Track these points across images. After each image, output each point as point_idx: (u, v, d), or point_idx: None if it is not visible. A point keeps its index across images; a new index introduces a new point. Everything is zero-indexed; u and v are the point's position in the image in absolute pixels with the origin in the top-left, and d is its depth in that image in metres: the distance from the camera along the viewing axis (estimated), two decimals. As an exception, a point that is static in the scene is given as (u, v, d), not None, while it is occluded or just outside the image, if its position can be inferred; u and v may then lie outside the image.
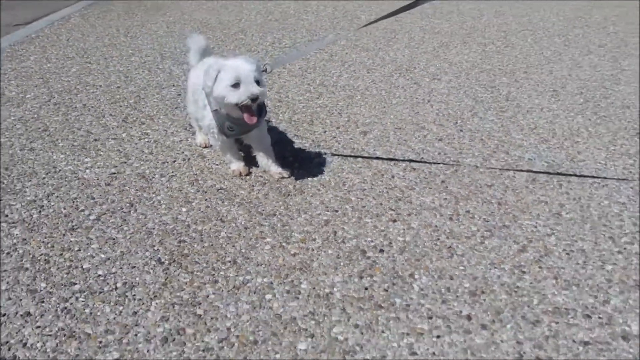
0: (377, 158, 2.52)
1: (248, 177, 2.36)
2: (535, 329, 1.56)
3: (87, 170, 2.42)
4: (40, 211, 2.10)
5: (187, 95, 2.60)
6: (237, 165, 2.41)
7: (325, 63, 3.99)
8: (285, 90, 3.44)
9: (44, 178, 2.35)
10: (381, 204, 2.19)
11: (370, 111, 3.13)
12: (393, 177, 2.40)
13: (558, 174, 2.38)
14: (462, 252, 1.89)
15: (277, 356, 1.45)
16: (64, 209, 2.12)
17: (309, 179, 2.37)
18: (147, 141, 2.72)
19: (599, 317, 1.60)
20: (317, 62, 4.00)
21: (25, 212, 2.09)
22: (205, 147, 2.63)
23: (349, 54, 4.23)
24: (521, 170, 2.41)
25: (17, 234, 1.96)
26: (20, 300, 1.64)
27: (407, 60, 4.05)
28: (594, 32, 4.78)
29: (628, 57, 4.09)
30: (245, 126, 2.25)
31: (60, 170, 2.41)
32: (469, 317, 1.60)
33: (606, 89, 3.45)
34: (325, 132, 2.86)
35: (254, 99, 2.09)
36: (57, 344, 1.48)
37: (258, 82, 2.12)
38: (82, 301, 1.64)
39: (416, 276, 1.77)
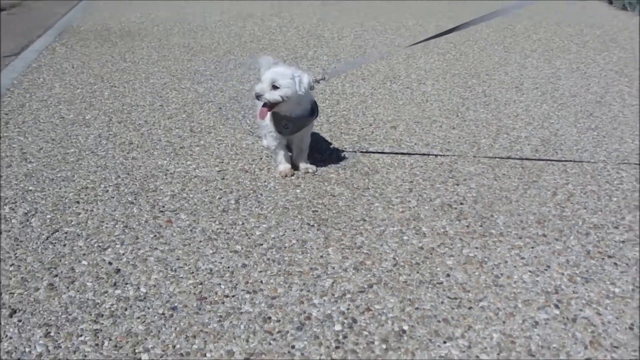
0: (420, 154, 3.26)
1: (293, 177, 2.86)
2: (588, 237, 2.36)
3: (197, 170, 2.95)
4: (187, 201, 2.63)
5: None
6: (284, 167, 2.90)
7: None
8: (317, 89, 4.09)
9: (166, 179, 2.86)
10: (440, 175, 2.93)
11: (387, 111, 3.87)
12: (436, 156, 3.15)
13: (559, 160, 3.24)
14: (517, 199, 2.67)
15: (438, 269, 2.14)
16: (205, 198, 2.66)
17: (376, 162, 3.06)
18: (226, 145, 3.28)
19: (624, 227, 2.43)
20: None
21: (176, 203, 2.61)
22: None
23: (338, 66, 4.94)
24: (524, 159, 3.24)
25: (184, 218, 2.49)
26: (230, 258, 2.20)
27: (388, 69, 4.84)
28: (523, 39, 5.85)
29: (557, 59, 5.14)
30: (298, 122, 2.83)
31: (174, 172, 2.93)
32: (544, 235, 2.37)
33: (553, 84, 4.43)
34: (362, 129, 3.56)
35: (257, 95, 2.67)
36: (283, 280, 2.08)
37: (277, 87, 2.65)
38: (276, 253, 2.23)
39: (495, 216, 2.52)
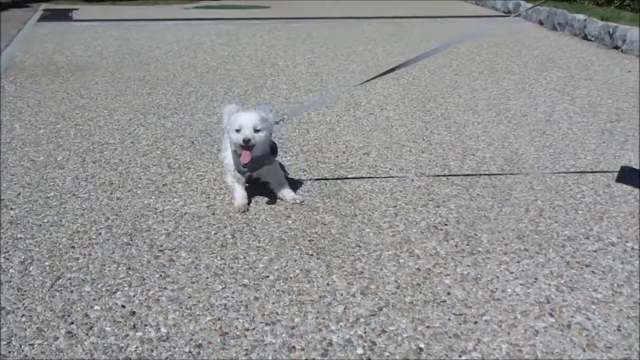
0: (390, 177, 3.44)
1: (245, 213, 2.90)
2: (565, 249, 2.58)
3: (185, 207, 3.01)
4: (184, 239, 2.69)
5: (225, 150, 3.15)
6: (239, 203, 2.96)
7: (289, 105, 4.82)
8: (277, 129, 4.21)
9: (157, 217, 2.90)
10: (420, 198, 3.11)
11: (356, 138, 4.04)
12: (412, 180, 3.34)
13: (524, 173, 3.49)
14: (495, 217, 2.88)
15: (438, 288, 2.30)
16: (200, 235, 2.73)
17: (357, 189, 3.21)
18: (208, 180, 3.35)
19: (594, 238, 2.68)
20: (281, 105, 4.81)
21: (173, 241, 2.66)
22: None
23: (299, 95, 5.10)
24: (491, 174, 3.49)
25: (185, 256, 2.54)
26: (241, 292, 2.28)
27: (348, 96, 5.04)
28: (468, 62, 6.20)
29: (503, 80, 5.50)
30: (257, 162, 2.98)
31: (163, 210, 2.97)
32: (526, 250, 2.58)
33: (504, 104, 4.74)
34: (337, 157, 3.71)
35: (246, 140, 2.81)
36: (298, 309, 2.17)
37: (258, 130, 2.84)
38: (284, 284, 2.33)
39: (478, 235, 2.72)
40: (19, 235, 2.71)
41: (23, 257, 2.52)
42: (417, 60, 3.19)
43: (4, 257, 2.52)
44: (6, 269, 2.43)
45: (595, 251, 2.55)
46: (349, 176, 3.37)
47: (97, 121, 4.42)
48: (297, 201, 3.03)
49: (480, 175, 3.36)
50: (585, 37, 7.06)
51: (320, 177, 3.34)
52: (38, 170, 3.48)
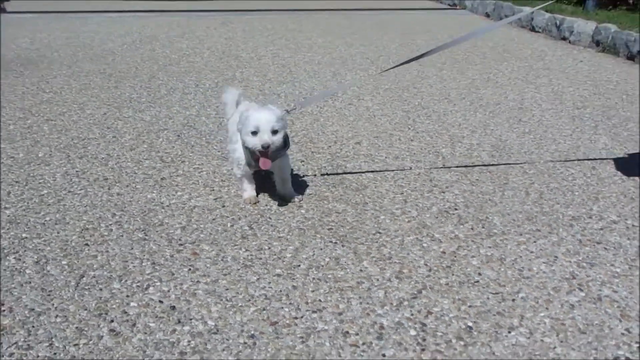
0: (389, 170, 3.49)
1: (256, 205, 2.86)
2: (573, 228, 2.72)
3: (192, 201, 2.94)
4: (202, 232, 2.63)
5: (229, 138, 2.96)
6: (249, 195, 2.91)
7: (267, 97, 4.79)
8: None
9: (166, 211, 2.82)
10: (424, 184, 3.18)
11: (343, 128, 4.07)
12: (411, 168, 3.41)
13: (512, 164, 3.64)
14: (500, 201, 2.99)
15: (469, 269, 2.37)
16: (217, 227, 2.68)
17: (360, 177, 3.25)
18: (207, 173, 3.29)
19: (596, 217, 2.84)
20: (260, 98, 4.77)
21: (191, 235, 2.61)
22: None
23: (272, 87, 5.07)
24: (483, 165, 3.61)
25: (208, 249, 2.50)
26: (277, 282, 2.27)
27: (322, 88, 5.05)
28: (446, 56, 6.34)
29: (468, 70, 5.67)
30: (271, 158, 2.77)
31: (170, 204, 2.90)
32: (538, 230, 2.70)
33: (475, 94, 4.90)
34: (330, 147, 3.73)
35: (266, 147, 2.57)
36: (339, 296, 2.18)
37: (276, 132, 2.61)
38: (318, 272, 2.33)
39: (490, 218, 2.82)
40: (23, 235, 2.57)
41: (36, 257, 2.40)
42: (439, 50, 3.23)
43: (14, 258, 2.38)
44: (22, 270, 2.30)
45: (602, 229, 2.70)
46: (348, 165, 3.40)
47: (69, 116, 4.23)
48: (295, 200, 2.94)
49: (475, 163, 3.47)
50: (532, 29, 7.39)
51: (325, 172, 3.34)
52: (22, 167, 3.29)
